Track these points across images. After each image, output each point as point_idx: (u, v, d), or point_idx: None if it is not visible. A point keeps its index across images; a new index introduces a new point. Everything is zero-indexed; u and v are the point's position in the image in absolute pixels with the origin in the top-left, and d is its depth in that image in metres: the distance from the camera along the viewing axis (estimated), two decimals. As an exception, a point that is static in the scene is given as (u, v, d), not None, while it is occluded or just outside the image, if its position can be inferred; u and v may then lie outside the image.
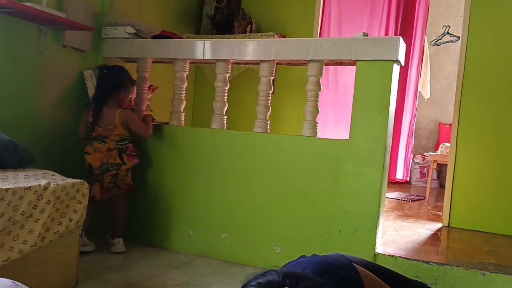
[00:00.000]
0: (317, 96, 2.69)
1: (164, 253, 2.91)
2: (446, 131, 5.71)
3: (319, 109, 2.72)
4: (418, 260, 2.41)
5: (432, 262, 2.39)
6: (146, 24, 3.25)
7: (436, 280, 2.35)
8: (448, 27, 5.86)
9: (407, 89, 5.03)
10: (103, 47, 3.15)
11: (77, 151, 2.85)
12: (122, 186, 2.84)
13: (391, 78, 2.49)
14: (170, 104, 3.07)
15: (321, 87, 2.71)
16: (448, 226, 3.39)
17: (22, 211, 1.91)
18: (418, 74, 4.99)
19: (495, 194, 3.27)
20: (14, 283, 1.06)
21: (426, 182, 5.12)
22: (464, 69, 3.35)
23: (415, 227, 3.30)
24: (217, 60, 2.91)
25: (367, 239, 2.51)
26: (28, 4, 2.42)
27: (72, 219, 2.13)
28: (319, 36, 4.12)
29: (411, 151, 5.34)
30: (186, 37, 3.88)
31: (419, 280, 1.95)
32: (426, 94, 5.24)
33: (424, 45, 4.96)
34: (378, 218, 2.51)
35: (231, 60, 2.90)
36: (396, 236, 2.96)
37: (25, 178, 2.07)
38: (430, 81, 5.25)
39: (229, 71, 2.94)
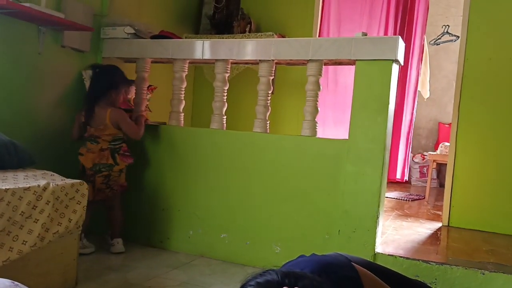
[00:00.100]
0: (316, 96, 2.69)
1: (163, 253, 2.91)
2: (446, 130, 5.71)
3: (319, 109, 2.72)
4: (418, 260, 2.41)
5: (432, 261, 2.39)
6: (145, 24, 3.25)
7: (435, 279, 2.35)
8: (447, 26, 5.86)
9: (407, 89, 5.03)
10: (102, 48, 3.15)
11: (76, 151, 2.84)
12: (115, 187, 2.82)
13: (391, 77, 2.49)
14: (169, 104, 3.07)
15: (321, 87, 2.71)
16: (448, 225, 3.39)
17: (22, 212, 1.91)
18: (418, 74, 4.98)
19: (495, 194, 3.27)
20: (13, 283, 1.06)
21: (426, 182, 5.12)
22: (464, 68, 3.34)
23: (414, 226, 3.30)
24: (216, 60, 2.91)
25: (367, 238, 2.51)
26: (27, 4, 2.42)
27: (71, 220, 2.13)
28: (319, 36, 4.12)
29: (411, 150, 5.34)
30: (185, 37, 3.88)
31: (419, 280, 1.95)
32: (426, 94, 5.24)
33: (423, 45, 4.96)
34: (377, 217, 2.51)
35: (230, 60, 2.90)
36: (396, 235, 2.96)
37: (24, 179, 2.07)
38: (429, 80, 5.25)
39: (228, 71, 2.94)
